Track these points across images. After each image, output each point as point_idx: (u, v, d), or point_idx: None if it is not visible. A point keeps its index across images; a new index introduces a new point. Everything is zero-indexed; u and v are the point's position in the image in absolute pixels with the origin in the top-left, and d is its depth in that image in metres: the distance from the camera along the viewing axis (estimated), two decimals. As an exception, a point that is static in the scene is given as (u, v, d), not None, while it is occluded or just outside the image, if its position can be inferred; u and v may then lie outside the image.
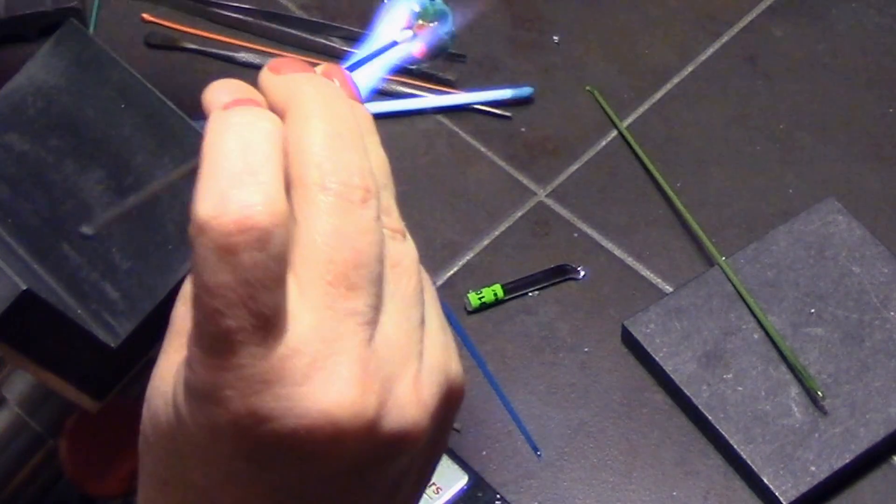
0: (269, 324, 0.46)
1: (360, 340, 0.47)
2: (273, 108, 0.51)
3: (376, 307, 0.48)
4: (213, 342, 0.46)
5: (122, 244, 0.60)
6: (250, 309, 0.45)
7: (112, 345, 0.58)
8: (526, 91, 1.15)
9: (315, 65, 0.53)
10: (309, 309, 0.47)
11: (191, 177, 0.58)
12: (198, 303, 0.46)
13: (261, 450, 0.47)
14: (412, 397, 0.49)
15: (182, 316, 0.51)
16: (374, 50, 0.61)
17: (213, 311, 0.45)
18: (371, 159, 0.50)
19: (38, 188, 0.62)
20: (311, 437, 0.47)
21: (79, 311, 0.59)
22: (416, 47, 0.64)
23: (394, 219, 0.51)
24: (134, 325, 0.59)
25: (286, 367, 0.46)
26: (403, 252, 0.51)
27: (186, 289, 0.51)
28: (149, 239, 0.60)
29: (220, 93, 0.51)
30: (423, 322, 0.51)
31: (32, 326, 0.55)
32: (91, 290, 0.59)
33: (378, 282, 0.48)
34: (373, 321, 0.48)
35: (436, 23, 0.64)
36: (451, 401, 0.51)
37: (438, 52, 0.65)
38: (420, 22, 0.64)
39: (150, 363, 0.61)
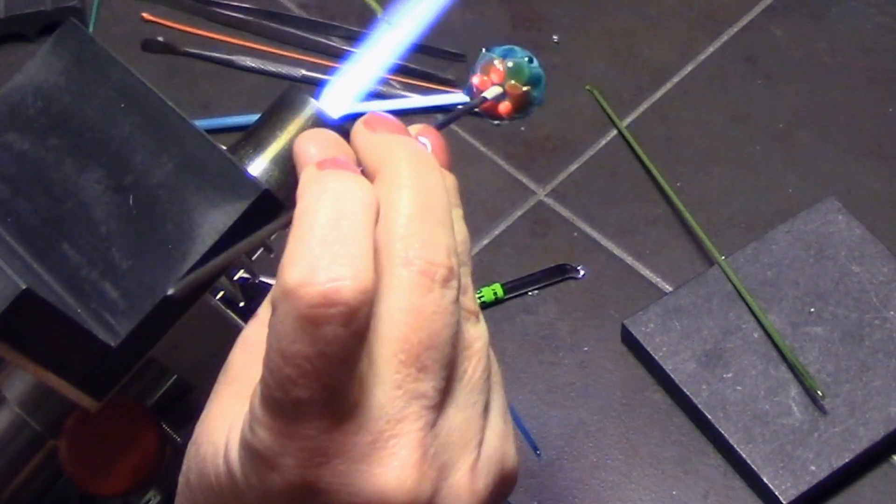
0: (339, 398, 0.46)
1: (424, 424, 0.47)
2: (364, 168, 0.50)
3: (444, 391, 0.48)
4: (280, 408, 0.46)
5: (121, 244, 0.60)
6: (323, 382, 0.45)
7: (112, 344, 0.58)
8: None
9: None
10: (378, 386, 0.47)
11: (185, 174, 0.58)
12: (271, 366, 0.46)
13: None
14: (467, 487, 0.49)
15: (241, 362, 0.50)
16: (464, 105, 0.60)
17: (286, 379, 0.45)
18: (455, 235, 0.50)
19: (38, 187, 0.62)
20: None
21: (78, 311, 0.59)
22: (503, 106, 0.63)
23: (469, 298, 0.51)
24: (134, 324, 0.59)
25: (348, 443, 0.46)
26: (476, 335, 0.50)
27: (248, 334, 0.51)
28: (149, 238, 0.60)
29: (311, 145, 0.51)
30: (486, 410, 0.51)
31: (32, 326, 0.55)
32: (91, 290, 0.59)
33: (449, 365, 0.48)
34: (438, 405, 0.48)
35: (528, 87, 0.63)
36: (504, 488, 0.51)
37: (523, 115, 0.64)
38: (512, 82, 0.63)
39: (149, 362, 0.61)
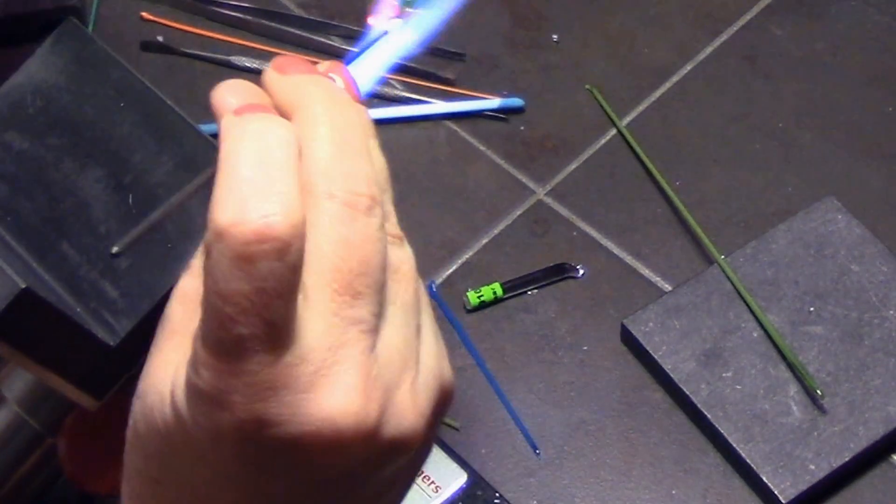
0: (280, 332, 0.46)
1: (364, 348, 0.48)
2: (279, 110, 0.51)
3: (379, 315, 0.49)
4: (223, 347, 0.46)
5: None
6: (263, 317, 0.46)
7: (111, 343, 0.58)
8: (516, 102, 1.15)
9: (315, 62, 0.53)
10: (315, 317, 0.47)
11: (184, 174, 0.58)
12: (210, 308, 0.46)
13: (262, 454, 0.48)
14: (410, 404, 0.49)
15: (179, 314, 0.51)
16: (366, 44, 0.60)
17: (226, 318, 0.46)
18: (374, 165, 0.51)
19: (38, 187, 0.62)
20: (314, 444, 0.47)
21: (78, 310, 0.59)
22: (408, 36, 0.62)
23: (393, 224, 0.51)
24: (133, 323, 0.59)
25: (292, 374, 0.47)
26: (402, 258, 0.51)
27: (184, 287, 0.52)
28: (148, 237, 0.60)
29: (228, 95, 0.51)
30: (419, 329, 0.52)
31: (32, 325, 0.55)
32: (90, 289, 0.59)
33: (381, 289, 0.49)
34: (375, 329, 0.49)
35: (423, 6, 0.63)
36: (444, 404, 0.52)
37: (432, 39, 0.63)
38: (408, 8, 0.63)
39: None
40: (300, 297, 0.47)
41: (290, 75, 0.52)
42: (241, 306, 0.45)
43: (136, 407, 0.51)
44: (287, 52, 1.17)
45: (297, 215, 0.46)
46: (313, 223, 0.48)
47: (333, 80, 0.53)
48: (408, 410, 0.49)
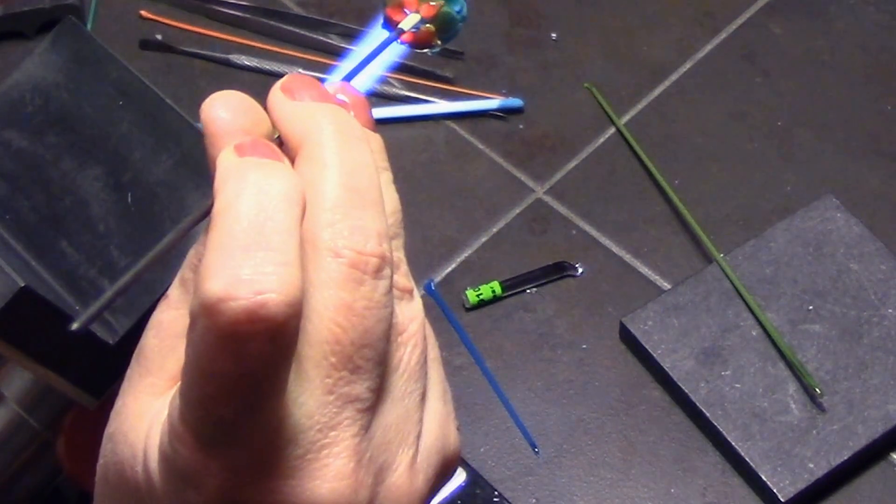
0: (266, 414, 0.42)
1: (359, 429, 0.44)
2: (283, 137, 0.46)
3: (378, 389, 0.45)
4: (202, 427, 0.42)
5: (119, 241, 0.60)
6: (248, 401, 0.41)
7: (110, 342, 0.58)
8: (515, 102, 1.15)
9: (321, 78, 0.50)
10: (308, 393, 0.43)
11: (183, 171, 0.57)
12: (190, 383, 0.42)
13: None
14: (406, 487, 0.45)
15: (154, 349, 0.47)
16: (378, 45, 0.57)
17: (207, 398, 0.41)
18: (386, 209, 0.46)
19: (37, 185, 0.62)
20: None
21: (77, 308, 0.59)
22: (425, 32, 0.59)
23: (402, 274, 0.47)
24: (132, 322, 0.59)
25: (277, 457, 0.43)
26: (411, 315, 0.47)
27: (160, 318, 0.47)
28: (146, 236, 0.60)
29: (220, 109, 0.47)
30: (424, 397, 0.47)
31: (30, 323, 0.55)
32: (89, 287, 0.59)
33: (382, 362, 0.44)
34: (373, 406, 0.44)
35: (442, 1, 0.60)
36: (445, 474, 0.48)
37: (451, 35, 0.60)
38: (430, 2, 0.60)
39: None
40: (293, 370, 0.43)
41: (299, 101, 0.46)
42: (224, 388, 0.41)
43: (107, 450, 0.47)
44: (285, 50, 1.17)
45: (296, 293, 0.41)
46: (314, 283, 0.43)
47: (345, 103, 0.48)
48: (403, 494, 0.45)
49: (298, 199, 0.43)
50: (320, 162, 0.45)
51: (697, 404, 0.98)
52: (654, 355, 1.00)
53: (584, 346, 1.03)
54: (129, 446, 0.46)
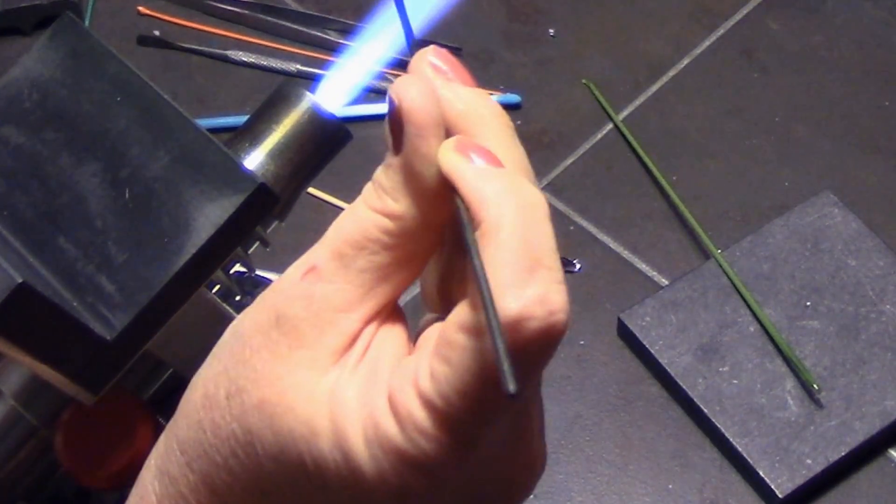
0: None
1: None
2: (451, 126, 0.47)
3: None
4: (465, 430, 0.44)
5: (117, 237, 0.60)
6: (511, 409, 0.45)
7: (108, 338, 0.58)
8: (513, 98, 1.15)
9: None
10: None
11: (181, 168, 0.57)
12: (466, 391, 0.43)
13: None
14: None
15: (308, 324, 0.47)
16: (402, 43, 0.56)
17: (481, 406, 0.44)
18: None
19: (34, 181, 0.62)
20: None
21: (75, 304, 0.59)
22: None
23: None
24: (130, 317, 0.59)
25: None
26: None
27: (310, 292, 0.47)
28: (145, 232, 0.60)
29: (419, 98, 0.46)
30: None
31: (28, 319, 0.55)
32: (87, 283, 0.59)
33: None
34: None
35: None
36: None
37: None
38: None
39: (145, 356, 0.61)
40: None
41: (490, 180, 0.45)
42: (501, 400, 0.43)
43: (254, 419, 0.47)
44: (283, 47, 1.17)
45: (568, 311, 0.44)
46: None
47: (442, 69, 0.49)
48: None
49: (548, 212, 0.45)
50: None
51: (695, 400, 0.98)
52: (652, 351, 1.00)
53: (582, 343, 1.03)
54: (301, 422, 0.46)
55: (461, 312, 0.44)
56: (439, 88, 0.47)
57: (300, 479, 0.47)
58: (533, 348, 0.43)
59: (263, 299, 0.49)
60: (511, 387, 0.41)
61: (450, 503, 0.47)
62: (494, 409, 0.44)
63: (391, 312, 0.48)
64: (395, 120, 0.46)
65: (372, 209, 0.47)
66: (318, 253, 0.48)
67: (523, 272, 0.43)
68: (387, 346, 0.47)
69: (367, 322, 0.47)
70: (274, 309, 0.48)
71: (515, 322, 0.42)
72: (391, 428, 0.45)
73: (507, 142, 0.47)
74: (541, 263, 0.43)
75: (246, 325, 0.49)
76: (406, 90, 0.46)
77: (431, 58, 0.48)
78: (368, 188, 0.47)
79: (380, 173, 0.47)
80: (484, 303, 0.42)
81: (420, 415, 0.44)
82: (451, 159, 0.45)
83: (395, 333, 0.48)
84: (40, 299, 0.55)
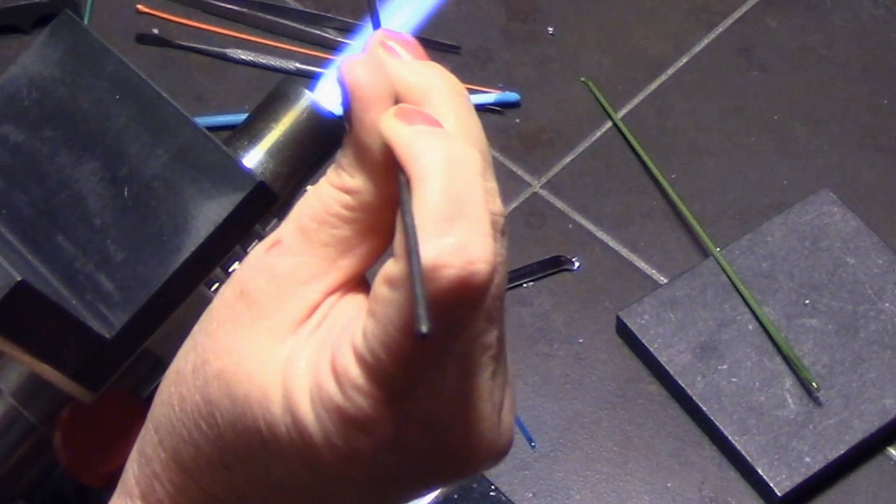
0: (444, 368, 0.46)
1: (490, 374, 0.52)
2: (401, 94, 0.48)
3: (501, 338, 0.52)
4: (393, 383, 0.45)
5: (116, 235, 0.60)
6: (440, 360, 0.46)
7: (107, 336, 0.58)
8: (512, 97, 1.15)
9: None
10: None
11: (180, 166, 0.57)
12: (389, 343, 0.44)
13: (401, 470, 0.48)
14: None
15: (268, 295, 0.48)
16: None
17: (405, 358, 0.44)
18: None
19: (33, 179, 0.62)
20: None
21: (73, 303, 0.59)
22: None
23: None
24: (129, 316, 0.59)
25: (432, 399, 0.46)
26: None
27: (273, 264, 0.49)
28: (143, 230, 0.60)
29: (363, 74, 0.47)
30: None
31: (27, 318, 0.55)
32: (86, 282, 0.59)
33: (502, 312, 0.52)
34: (497, 354, 0.52)
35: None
36: None
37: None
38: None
39: (144, 354, 0.61)
40: None
41: (420, 134, 0.47)
42: (424, 350, 0.44)
43: (213, 387, 0.49)
44: (282, 45, 1.17)
45: (493, 262, 0.45)
46: None
47: (394, 49, 0.49)
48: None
49: (482, 169, 0.46)
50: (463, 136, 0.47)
51: (694, 398, 0.98)
52: (651, 349, 1.00)
53: (581, 341, 1.03)
54: (256, 388, 0.47)
55: (387, 266, 0.45)
56: (388, 64, 0.48)
57: (257, 447, 0.48)
58: (450, 296, 0.43)
59: (232, 275, 0.50)
60: (424, 327, 0.41)
61: (396, 470, 0.47)
62: (420, 360, 0.44)
63: (356, 285, 0.49)
64: (346, 98, 0.47)
65: (332, 185, 0.48)
66: (284, 228, 0.49)
67: (443, 222, 0.43)
68: (343, 314, 0.48)
69: (329, 294, 0.48)
70: (239, 282, 0.49)
71: (431, 270, 0.43)
72: (332, 387, 0.46)
73: (457, 108, 0.48)
74: (462, 214, 0.44)
75: (215, 301, 0.50)
76: (351, 68, 0.47)
77: (383, 38, 0.49)
78: (331, 167, 0.49)
79: (339, 152, 0.49)
80: (406, 252, 0.43)
81: (355, 371, 0.45)
82: (389, 125, 0.46)
83: (354, 302, 0.48)
84: (39, 297, 0.55)
